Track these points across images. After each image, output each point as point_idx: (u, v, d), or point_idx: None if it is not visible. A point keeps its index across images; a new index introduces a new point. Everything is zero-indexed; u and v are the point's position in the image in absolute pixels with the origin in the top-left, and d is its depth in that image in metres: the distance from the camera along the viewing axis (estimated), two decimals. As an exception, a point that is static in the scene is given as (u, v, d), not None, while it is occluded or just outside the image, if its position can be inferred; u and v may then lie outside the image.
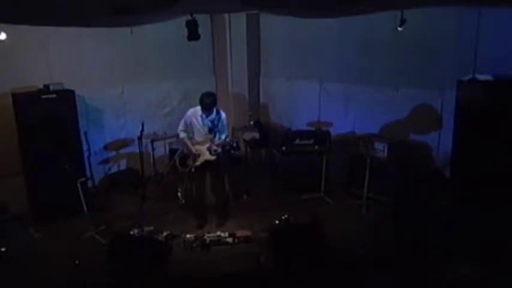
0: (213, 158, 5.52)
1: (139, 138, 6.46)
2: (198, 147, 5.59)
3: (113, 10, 3.88)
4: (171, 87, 7.61)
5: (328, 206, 6.28)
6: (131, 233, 5.39)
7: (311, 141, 6.59)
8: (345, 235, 5.30)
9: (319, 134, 6.65)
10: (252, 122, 7.07)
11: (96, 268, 4.63)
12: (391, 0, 4.42)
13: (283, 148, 6.70)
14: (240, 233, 5.35)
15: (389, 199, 6.00)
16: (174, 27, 5.87)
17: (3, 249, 5.17)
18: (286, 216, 5.61)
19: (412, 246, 4.95)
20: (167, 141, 7.10)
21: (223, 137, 5.58)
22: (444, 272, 4.52)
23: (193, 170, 5.71)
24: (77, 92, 5.93)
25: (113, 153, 6.99)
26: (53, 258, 4.97)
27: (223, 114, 5.59)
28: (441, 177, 5.76)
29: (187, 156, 5.76)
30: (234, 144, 6.76)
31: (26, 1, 3.55)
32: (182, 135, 5.66)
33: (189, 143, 5.62)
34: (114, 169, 7.14)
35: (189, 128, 5.66)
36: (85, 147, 6.44)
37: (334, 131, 6.78)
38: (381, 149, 5.92)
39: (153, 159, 6.72)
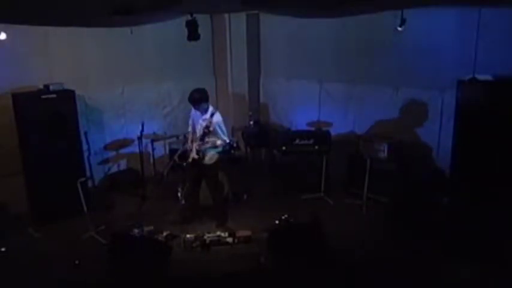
0: (197, 157, 5.52)
1: (139, 138, 6.46)
2: (190, 144, 5.66)
3: (113, 10, 3.89)
4: (171, 87, 7.61)
5: (328, 206, 6.28)
6: (131, 233, 5.39)
7: (311, 141, 6.59)
8: (345, 235, 5.30)
9: (319, 134, 6.65)
10: (252, 122, 7.07)
11: (96, 268, 4.62)
12: (391, 0, 4.42)
13: (283, 148, 6.70)
14: (240, 233, 5.35)
15: (389, 199, 6.00)
16: (174, 27, 5.88)
17: (3, 249, 5.17)
18: (286, 216, 5.60)
19: (412, 246, 4.94)
20: (167, 141, 7.11)
21: (218, 142, 5.46)
22: (444, 272, 4.52)
23: (184, 164, 5.74)
24: (77, 92, 5.93)
25: (113, 153, 6.98)
26: (53, 258, 4.97)
27: (215, 118, 5.44)
28: (441, 177, 5.76)
29: (186, 152, 5.79)
30: (235, 145, 6.78)
31: (26, 1, 3.55)
32: (189, 130, 5.76)
33: (188, 138, 5.67)
34: (114, 169, 7.13)
35: (192, 126, 5.72)
36: (85, 147, 6.44)
37: (334, 131, 6.78)
38: (381, 149, 5.92)
39: (153, 159, 6.72)
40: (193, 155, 5.55)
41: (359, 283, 4.42)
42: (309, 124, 7.08)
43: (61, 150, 5.81)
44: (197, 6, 4.93)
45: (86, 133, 6.48)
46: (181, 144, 6.19)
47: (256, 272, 4.68)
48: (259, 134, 7.18)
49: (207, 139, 5.47)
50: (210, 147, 5.50)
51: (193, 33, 5.16)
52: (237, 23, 7.72)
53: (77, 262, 4.81)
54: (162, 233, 5.42)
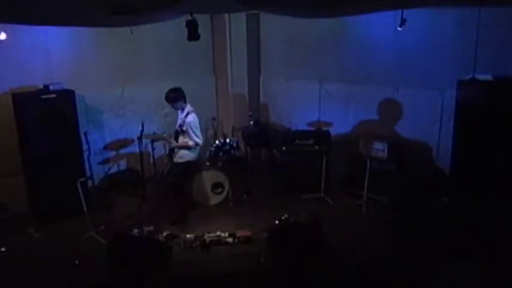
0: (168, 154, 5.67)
1: (139, 138, 6.46)
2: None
3: (113, 10, 3.89)
4: (171, 87, 7.60)
5: (328, 206, 6.28)
6: (131, 233, 5.39)
7: (311, 141, 6.60)
8: (345, 235, 5.30)
9: (319, 134, 6.65)
10: (252, 122, 7.07)
11: (96, 268, 4.62)
12: (391, 0, 4.42)
13: (283, 148, 6.70)
14: (240, 233, 5.36)
15: (389, 199, 6.00)
16: (174, 27, 5.87)
17: (3, 249, 5.18)
18: (286, 216, 5.60)
19: (412, 246, 4.94)
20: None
21: (190, 143, 5.53)
22: (444, 272, 4.52)
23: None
24: (77, 92, 5.93)
25: (113, 153, 6.98)
26: (53, 258, 4.97)
27: (189, 118, 5.54)
28: (441, 177, 5.76)
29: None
30: (235, 144, 6.79)
31: (26, 1, 3.55)
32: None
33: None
34: (114, 169, 7.13)
35: None
36: (85, 147, 6.44)
37: (334, 131, 6.78)
38: (380, 149, 5.92)
39: (153, 159, 6.72)
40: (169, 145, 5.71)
41: (359, 283, 4.42)
42: (309, 124, 7.08)
43: (61, 150, 5.81)
44: (197, 6, 4.93)
45: (86, 133, 6.48)
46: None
47: (256, 272, 4.68)
48: (259, 134, 7.18)
49: (179, 138, 5.57)
50: (181, 147, 5.58)
51: (193, 33, 5.16)
52: (237, 23, 7.72)
53: (77, 262, 4.81)
54: (162, 233, 5.42)
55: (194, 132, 5.55)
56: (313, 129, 6.90)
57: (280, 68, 7.81)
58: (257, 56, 8.02)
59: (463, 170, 5.24)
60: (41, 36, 5.92)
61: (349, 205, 6.23)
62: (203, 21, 6.00)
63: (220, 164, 6.61)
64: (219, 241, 5.25)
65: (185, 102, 5.66)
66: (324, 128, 6.80)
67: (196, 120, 5.60)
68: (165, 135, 6.05)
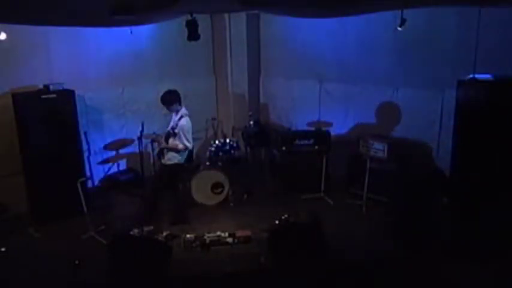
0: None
1: (139, 138, 6.46)
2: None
3: (114, 10, 3.89)
4: (171, 87, 7.58)
5: (328, 206, 6.28)
6: (131, 233, 5.39)
7: (311, 141, 6.60)
8: (345, 235, 5.30)
9: (319, 134, 6.65)
10: (252, 122, 7.07)
11: (96, 268, 4.62)
12: (391, 0, 4.42)
13: (283, 148, 6.70)
14: (240, 233, 5.35)
15: (389, 199, 6.00)
16: (174, 27, 5.88)
17: (3, 249, 5.17)
18: (286, 216, 5.60)
19: (412, 246, 4.94)
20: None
21: (180, 146, 5.52)
22: (444, 272, 4.52)
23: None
24: (77, 92, 5.93)
25: (113, 153, 6.98)
26: (53, 258, 4.97)
27: (181, 122, 5.51)
28: (441, 177, 5.76)
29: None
30: (235, 144, 6.78)
31: (26, 1, 3.55)
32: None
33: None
34: (114, 169, 7.13)
35: None
36: (85, 147, 6.44)
37: (334, 131, 6.78)
38: (380, 149, 5.92)
39: (153, 159, 6.71)
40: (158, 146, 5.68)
41: (359, 283, 4.42)
42: (309, 124, 7.08)
43: (61, 150, 5.81)
44: (197, 6, 4.93)
45: (86, 133, 6.48)
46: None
47: (256, 272, 4.68)
48: (259, 134, 7.18)
49: (170, 140, 5.54)
50: (170, 149, 5.56)
51: (193, 33, 5.16)
52: (237, 23, 7.71)
53: (77, 262, 4.81)
54: (162, 233, 5.42)
55: (185, 136, 5.51)
56: (313, 129, 6.90)
57: (280, 68, 7.81)
58: (257, 56, 8.02)
59: (463, 170, 5.24)
60: (41, 36, 5.92)
61: (349, 205, 6.23)
62: (203, 21, 6.01)
63: (220, 164, 6.61)
64: (219, 241, 5.25)
65: (180, 104, 5.61)
66: (324, 128, 6.80)
67: (189, 124, 5.56)
68: (153, 135, 6.04)
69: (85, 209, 5.40)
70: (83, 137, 6.32)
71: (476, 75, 5.08)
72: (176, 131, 5.51)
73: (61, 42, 6.18)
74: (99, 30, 6.29)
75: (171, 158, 5.60)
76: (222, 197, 6.40)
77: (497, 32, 5.28)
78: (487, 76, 5.03)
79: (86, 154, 6.44)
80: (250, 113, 7.27)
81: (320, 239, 4.82)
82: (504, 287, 4.38)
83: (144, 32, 6.54)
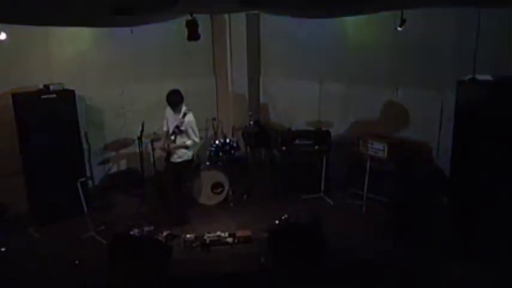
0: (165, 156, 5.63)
1: (139, 138, 6.46)
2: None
3: (114, 10, 3.89)
4: (171, 87, 7.59)
5: (328, 206, 6.28)
6: (131, 233, 5.39)
7: (311, 141, 6.60)
8: (345, 235, 5.30)
9: (319, 134, 6.65)
10: (252, 122, 7.07)
11: (96, 268, 4.62)
12: (391, 0, 4.42)
13: (283, 148, 6.70)
14: (240, 233, 5.36)
15: (389, 199, 6.00)
16: (174, 27, 5.87)
17: (3, 249, 5.17)
18: (286, 216, 5.60)
19: (412, 246, 4.94)
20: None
21: (188, 142, 5.57)
22: (444, 271, 4.52)
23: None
24: (77, 92, 5.93)
25: (113, 153, 6.98)
26: (53, 258, 4.97)
27: (188, 118, 5.54)
28: (441, 177, 5.76)
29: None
30: (235, 144, 6.78)
31: (26, 1, 3.55)
32: (164, 129, 5.78)
33: (160, 142, 5.74)
34: (114, 169, 7.13)
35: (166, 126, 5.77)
36: (85, 147, 6.44)
37: (334, 131, 6.78)
38: (380, 149, 5.92)
39: (153, 159, 6.72)
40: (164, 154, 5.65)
41: (359, 283, 4.42)
42: (309, 124, 7.08)
43: (61, 150, 5.81)
44: (197, 6, 4.93)
45: (86, 133, 6.48)
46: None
47: (256, 272, 4.68)
48: (259, 134, 7.18)
49: (177, 139, 5.55)
50: (179, 147, 5.58)
51: (193, 33, 5.15)
52: (237, 23, 7.71)
53: (77, 262, 4.81)
54: (162, 233, 5.42)
55: (194, 131, 5.58)
56: (313, 129, 6.90)
57: (280, 68, 7.81)
58: (257, 56, 8.02)
59: (463, 170, 5.25)
60: (41, 36, 5.92)
61: (349, 205, 6.23)
62: (203, 21, 6.00)
63: (220, 164, 6.61)
64: (219, 241, 5.25)
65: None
66: (324, 128, 6.80)
67: (195, 119, 5.63)
68: (152, 136, 6.07)
69: (85, 209, 5.40)
70: (83, 137, 6.32)
71: (476, 76, 5.09)
72: (183, 128, 5.52)
73: (61, 42, 6.18)
74: (99, 30, 6.29)
75: (182, 155, 5.63)
76: (222, 197, 6.40)
77: (497, 32, 5.29)
78: (487, 76, 5.04)
79: (86, 154, 6.43)
80: (250, 113, 7.26)
81: (320, 239, 4.82)
82: (504, 287, 4.38)
83: (144, 31, 6.53)
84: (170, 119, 5.70)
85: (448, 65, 5.75)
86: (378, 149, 5.95)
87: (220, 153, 6.65)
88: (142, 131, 6.41)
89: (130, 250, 4.69)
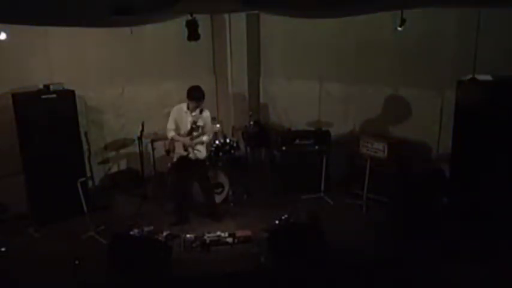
0: (185, 153, 5.56)
1: (139, 138, 6.46)
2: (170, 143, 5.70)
3: (114, 10, 3.88)
4: (171, 87, 7.60)
5: (328, 206, 6.28)
6: (131, 233, 5.39)
7: (311, 141, 6.60)
8: (345, 235, 5.30)
9: (319, 134, 6.66)
10: (252, 122, 7.07)
11: (96, 268, 4.62)
12: (391, 0, 4.42)
13: (283, 148, 6.70)
14: (240, 233, 5.36)
15: (389, 199, 6.00)
16: (174, 27, 5.87)
17: (3, 249, 5.17)
18: (286, 216, 5.61)
19: (412, 246, 4.94)
20: (167, 141, 7.09)
21: (204, 138, 5.57)
22: (444, 272, 4.52)
23: (168, 165, 5.85)
24: (77, 92, 5.93)
25: (113, 153, 6.98)
26: (53, 258, 4.97)
27: (206, 113, 5.59)
28: (441, 177, 5.76)
29: (168, 152, 5.86)
30: (235, 144, 6.79)
31: (26, 1, 3.55)
32: (171, 134, 5.59)
33: (180, 138, 5.58)
34: (114, 169, 7.13)
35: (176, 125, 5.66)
36: (85, 147, 6.44)
37: (334, 131, 6.78)
38: (380, 149, 5.92)
39: (153, 159, 6.72)
40: (181, 152, 5.57)
41: (359, 283, 4.42)
42: (309, 124, 7.07)
43: (61, 150, 5.81)
44: (197, 6, 4.93)
45: (86, 133, 6.48)
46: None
47: (256, 272, 4.68)
48: (259, 134, 7.18)
49: (194, 135, 5.52)
50: (198, 143, 5.57)
51: (193, 33, 5.15)
52: (237, 23, 7.72)
53: (77, 262, 4.80)
54: (162, 233, 5.42)
55: (209, 128, 5.65)
56: (313, 129, 6.90)
57: (280, 68, 7.81)
58: (257, 56, 8.02)
59: (463, 170, 5.25)
60: (41, 36, 5.92)
61: (349, 205, 6.23)
62: (203, 21, 6.00)
63: (220, 164, 6.61)
64: (219, 241, 5.25)
65: None
66: (324, 128, 6.80)
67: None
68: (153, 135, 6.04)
69: (85, 209, 5.40)
70: (83, 137, 6.32)
71: (476, 75, 5.08)
72: (201, 124, 5.52)
73: (61, 42, 6.18)
74: (99, 30, 6.28)
75: (202, 152, 5.64)
76: (222, 197, 6.39)
77: (497, 32, 5.28)
78: (487, 76, 5.04)
79: (86, 154, 6.43)
80: (250, 113, 7.27)
81: (320, 239, 4.82)
82: (504, 287, 4.38)
83: (144, 31, 6.53)
84: (182, 118, 5.59)
85: (448, 65, 5.75)
86: (378, 149, 5.95)
87: (220, 153, 6.65)
88: (142, 131, 6.41)
89: (130, 250, 4.69)
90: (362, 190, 6.13)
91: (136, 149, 6.66)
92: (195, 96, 5.48)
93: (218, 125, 6.68)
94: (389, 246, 5.07)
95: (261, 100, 8.17)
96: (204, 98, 5.53)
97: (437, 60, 5.91)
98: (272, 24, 7.63)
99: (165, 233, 5.41)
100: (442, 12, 5.56)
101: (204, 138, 5.58)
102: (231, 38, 7.82)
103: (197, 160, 5.63)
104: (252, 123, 7.06)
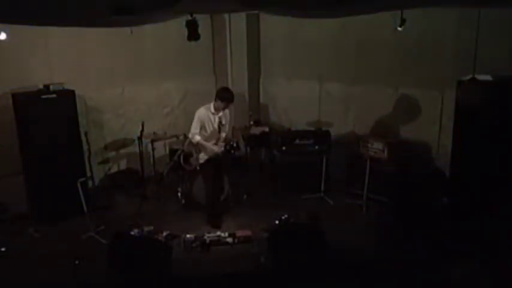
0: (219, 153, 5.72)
1: (139, 138, 6.46)
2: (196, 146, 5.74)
3: (114, 10, 3.88)
4: (171, 87, 7.61)
5: (328, 206, 6.28)
6: (131, 233, 5.39)
7: (311, 141, 6.60)
8: (345, 235, 5.30)
9: (319, 134, 6.65)
10: (252, 122, 7.06)
11: (96, 268, 4.62)
12: (391, 0, 4.42)
13: (283, 148, 6.70)
14: (240, 233, 5.36)
15: (389, 199, 6.00)
16: (174, 27, 5.87)
17: (3, 249, 5.17)
18: (286, 216, 5.60)
19: (412, 246, 4.94)
20: (167, 141, 7.10)
21: (223, 135, 5.73)
22: (444, 272, 4.52)
23: (198, 168, 5.85)
24: (77, 92, 5.93)
25: (113, 153, 6.98)
26: (53, 258, 4.97)
27: (227, 112, 5.81)
28: (441, 177, 5.76)
29: (190, 155, 5.85)
30: (234, 144, 6.78)
31: (26, 1, 3.55)
32: (197, 138, 5.61)
33: (208, 145, 5.65)
34: (114, 169, 7.13)
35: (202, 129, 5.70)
36: (85, 147, 6.43)
37: (334, 131, 6.78)
38: (380, 149, 5.92)
39: (153, 159, 6.72)
40: (220, 149, 5.73)
41: (359, 283, 4.42)
42: (309, 124, 7.07)
43: (61, 150, 5.81)
44: (197, 6, 4.92)
45: (86, 133, 6.47)
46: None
47: (256, 272, 4.68)
48: (259, 134, 7.18)
49: (222, 133, 5.70)
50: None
51: (193, 33, 5.14)
52: (237, 23, 7.72)
53: (77, 262, 4.80)
54: (162, 233, 5.42)
55: (229, 124, 5.88)
56: (313, 129, 6.90)
57: (280, 68, 7.81)
58: (257, 55, 8.02)
59: (462, 170, 5.25)
60: (40, 36, 5.92)
61: (349, 205, 6.23)
62: (203, 21, 6.00)
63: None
64: (219, 241, 5.25)
65: None
66: (324, 128, 6.80)
67: None
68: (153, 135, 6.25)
69: (85, 209, 5.40)
70: (83, 137, 6.32)
71: (476, 75, 5.08)
72: (224, 122, 5.70)
73: (61, 42, 6.18)
74: (99, 30, 6.28)
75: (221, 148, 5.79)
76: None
77: (497, 32, 5.28)
78: (487, 76, 5.04)
79: (86, 154, 6.43)
80: (250, 113, 7.27)
81: (320, 239, 4.82)
82: (504, 287, 4.38)
83: (144, 31, 6.53)
84: (209, 119, 5.67)
85: (448, 65, 5.75)
86: (378, 149, 5.94)
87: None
88: (142, 131, 6.41)
89: (130, 250, 4.69)
90: (362, 190, 6.13)
91: (136, 149, 6.66)
92: (228, 97, 5.59)
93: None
94: (389, 246, 5.07)
95: (261, 100, 8.17)
96: (233, 99, 5.69)
97: (437, 60, 5.91)
98: (272, 24, 7.63)
99: (165, 233, 5.41)
100: (442, 12, 5.56)
101: (223, 134, 5.71)
102: (231, 38, 7.83)
103: (218, 157, 5.79)
104: (252, 123, 7.06)
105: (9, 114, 5.57)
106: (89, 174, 6.51)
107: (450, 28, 5.75)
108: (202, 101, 7.83)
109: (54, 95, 5.68)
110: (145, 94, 7.25)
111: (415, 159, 6.20)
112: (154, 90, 7.42)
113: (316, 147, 6.55)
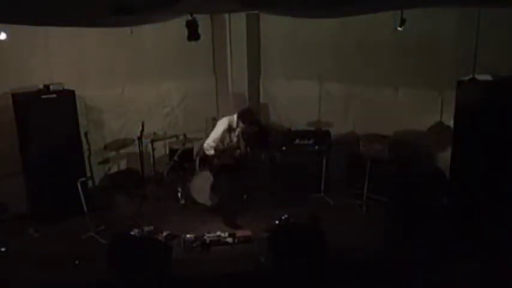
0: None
1: (139, 138, 6.46)
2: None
3: (114, 10, 3.88)
4: (171, 87, 7.61)
5: (328, 206, 6.28)
6: (131, 233, 5.39)
7: (311, 141, 6.60)
8: (345, 235, 5.30)
9: (319, 134, 6.65)
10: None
11: (96, 268, 4.62)
12: (391, 0, 4.42)
13: (283, 148, 6.70)
14: (240, 233, 5.36)
15: (389, 199, 6.00)
16: (174, 27, 5.87)
17: (3, 249, 5.17)
18: (286, 216, 5.60)
19: (412, 246, 4.94)
20: (167, 141, 7.10)
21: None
22: (444, 272, 4.52)
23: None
24: (77, 92, 5.93)
25: (113, 153, 6.98)
26: (53, 258, 4.97)
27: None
28: (441, 177, 5.76)
29: (207, 157, 5.98)
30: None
31: (26, 1, 3.55)
32: (212, 152, 5.76)
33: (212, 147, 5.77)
34: (114, 169, 7.13)
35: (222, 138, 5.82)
36: (85, 147, 6.43)
37: (334, 131, 6.78)
38: (380, 148, 5.92)
39: (153, 159, 6.72)
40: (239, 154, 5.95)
41: (359, 283, 4.42)
42: (309, 124, 7.07)
43: (61, 150, 5.81)
44: (197, 6, 4.92)
45: (86, 133, 6.47)
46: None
47: (256, 272, 4.68)
48: (259, 134, 7.18)
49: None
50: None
51: (193, 33, 5.15)
52: (237, 23, 7.71)
53: (77, 262, 4.81)
54: (162, 233, 5.42)
55: None
56: (313, 129, 6.90)
57: (280, 68, 7.81)
58: (257, 55, 8.02)
59: (463, 170, 5.24)
60: (40, 36, 5.92)
61: (349, 205, 6.23)
62: (203, 21, 6.00)
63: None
64: (219, 241, 5.25)
65: None
66: (324, 128, 6.80)
67: None
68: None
69: (85, 209, 5.40)
70: (83, 137, 6.31)
71: (476, 75, 5.08)
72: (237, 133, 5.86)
73: (61, 42, 6.18)
74: (99, 30, 6.28)
75: None
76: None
77: (497, 32, 5.29)
78: (487, 76, 5.04)
79: (86, 154, 6.42)
80: (250, 113, 7.26)
81: (320, 239, 4.82)
82: (504, 287, 4.38)
83: (144, 31, 6.53)
84: (230, 132, 5.86)
85: (448, 65, 5.75)
86: (378, 149, 5.94)
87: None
88: (142, 131, 6.41)
89: (130, 250, 4.69)
90: (362, 190, 6.13)
91: (136, 149, 6.65)
92: (251, 120, 5.82)
93: None
94: (389, 246, 5.07)
95: (261, 100, 8.17)
96: None
97: (437, 60, 5.91)
98: (272, 24, 7.63)
99: (165, 233, 5.41)
100: (442, 12, 5.56)
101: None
102: (231, 38, 7.82)
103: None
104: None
105: (9, 114, 5.57)
106: (89, 174, 6.50)
107: (450, 28, 5.75)
108: (203, 101, 7.88)
109: (54, 95, 5.68)
110: (145, 94, 7.24)
111: (415, 159, 6.20)
112: (154, 90, 7.41)
113: (316, 147, 6.55)
